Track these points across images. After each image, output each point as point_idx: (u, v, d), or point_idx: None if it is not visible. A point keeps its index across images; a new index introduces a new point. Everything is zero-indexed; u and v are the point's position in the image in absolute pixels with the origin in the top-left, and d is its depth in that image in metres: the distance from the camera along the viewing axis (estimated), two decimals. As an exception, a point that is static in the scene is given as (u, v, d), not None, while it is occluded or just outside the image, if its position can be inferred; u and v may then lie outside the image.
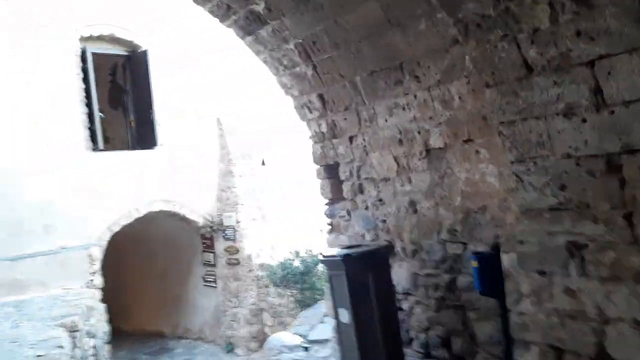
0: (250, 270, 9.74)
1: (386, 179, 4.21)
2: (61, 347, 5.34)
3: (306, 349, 5.06)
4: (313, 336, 5.49)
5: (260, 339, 9.40)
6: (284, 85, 4.89)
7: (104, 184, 8.73)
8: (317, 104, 4.62)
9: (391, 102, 3.88)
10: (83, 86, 8.64)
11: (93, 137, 8.74)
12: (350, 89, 4.15)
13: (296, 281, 7.36)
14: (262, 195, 10.73)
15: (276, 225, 10.79)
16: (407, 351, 4.11)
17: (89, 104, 8.70)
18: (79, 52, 8.60)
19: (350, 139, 4.49)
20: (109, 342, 8.11)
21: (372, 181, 4.39)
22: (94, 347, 7.22)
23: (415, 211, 3.97)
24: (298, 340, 5.40)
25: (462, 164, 3.50)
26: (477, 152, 3.37)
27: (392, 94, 3.83)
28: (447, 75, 3.36)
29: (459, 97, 3.37)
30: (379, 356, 3.76)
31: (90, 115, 8.75)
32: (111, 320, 10.20)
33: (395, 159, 4.04)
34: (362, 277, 3.71)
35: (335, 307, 3.83)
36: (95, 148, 8.75)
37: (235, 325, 9.87)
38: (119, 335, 10.76)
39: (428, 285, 3.92)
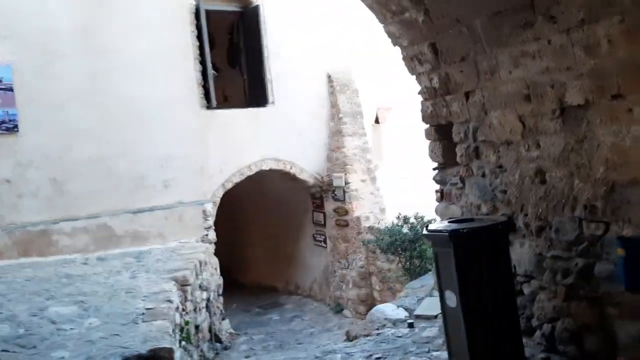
0: (359, 233, 9.49)
1: (508, 143, 3.59)
2: (170, 301, 5.49)
3: (411, 325, 4.67)
4: (419, 311, 5.09)
5: (369, 302, 9.20)
6: (391, 35, 4.37)
7: (217, 141, 8.88)
8: (429, 54, 4.04)
9: (517, 49, 3.22)
10: (197, 44, 8.72)
11: (207, 95, 8.85)
12: (468, 35, 3.53)
13: (404, 249, 6.95)
14: (373, 156, 10.33)
15: (386, 188, 10.37)
16: (528, 342, 3.56)
17: (203, 62, 8.79)
18: (192, 9, 8.65)
19: (466, 95, 3.88)
20: (221, 294, 8.40)
21: (491, 144, 3.78)
22: (207, 299, 7.48)
23: (544, 181, 3.33)
24: (402, 314, 5.04)
25: (607, 125, 2.81)
26: (630, 110, 2.66)
27: (519, 40, 3.17)
28: (594, 13, 2.65)
29: (608, 41, 2.65)
30: (492, 347, 3.27)
31: (205, 73, 8.85)
32: (229, 273, 10.67)
33: (520, 118, 3.40)
34: (473, 257, 3.19)
35: (441, 289, 3.37)
36: (209, 106, 8.86)
37: (344, 287, 9.75)
38: (237, 287, 11.27)
39: (556, 269, 3.30)
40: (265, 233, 11.95)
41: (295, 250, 11.43)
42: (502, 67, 3.40)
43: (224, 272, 8.97)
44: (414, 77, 4.47)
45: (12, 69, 7.15)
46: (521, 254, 3.57)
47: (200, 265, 7.29)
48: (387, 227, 8.38)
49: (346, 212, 9.75)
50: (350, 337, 4.82)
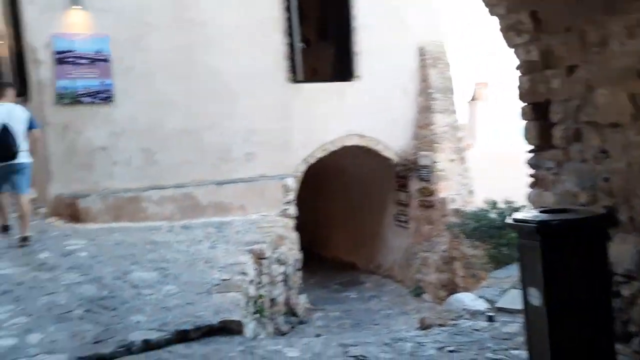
0: (443, 216, 9.09)
1: (615, 125, 3.12)
2: (244, 273, 5.54)
3: (490, 318, 4.33)
4: (502, 303, 4.72)
5: (450, 288, 8.85)
6: (488, 3, 3.96)
7: (302, 116, 8.81)
8: (528, 24, 3.60)
9: (633, 18, 2.75)
10: (286, 16, 8.62)
11: (293, 68, 8.76)
12: (575, 1, 3.08)
13: (491, 235, 6.50)
14: (466, 135, 9.79)
15: (478, 169, 9.83)
16: (623, 349, 3.14)
17: (290, 35, 8.69)
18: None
19: (569, 69, 3.42)
20: (300, 269, 8.43)
21: (595, 126, 3.31)
22: (284, 273, 7.52)
23: (656, 171, 2.86)
24: (483, 306, 4.70)
25: None
26: None
27: (635, 7, 2.70)
28: None
29: None
30: (579, 352, 2.90)
31: (292, 46, 8.76)
32: (311, 248, 10.73)
33: (632, 98, 2.93)
34: (563, 252, 2.82)
35: (524, 284, 3.03)
36: (295, 79, 8.78)
37: (425, 270, 9.44)
38: (317, 262, 11.33)
39: (664, 272, 2.86)
40: (348, 210, 11.86)
41: (377, 229, 11.23)
42: (614, 38, 2.93)
43: (304, 246, 9.00)
44: (512, 50, 4.04)
45: (110, 41, 7.45)
46: (622, 251, 3.13)
47: (279, 239, 7.32)
48: (473, 211, 7.92)
49: (431, 193, 9.36)
50: (423, 325, 4.57)
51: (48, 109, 7.28)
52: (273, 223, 7.71)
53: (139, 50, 7.64)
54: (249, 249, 6.29)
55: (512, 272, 5.80)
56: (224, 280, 5.26)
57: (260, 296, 5.89)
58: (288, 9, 8.63)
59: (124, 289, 4.97)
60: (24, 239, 6.14)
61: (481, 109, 14.25)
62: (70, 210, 7.30)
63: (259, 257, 6.26)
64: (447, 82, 9.67)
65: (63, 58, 7.24)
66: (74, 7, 7.19)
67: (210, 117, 8.10)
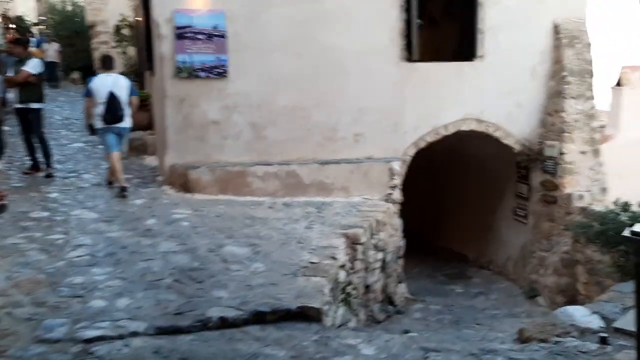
0: (567, 214, 8.14)
1: None
2: (335, 258, 5.37)
3: (604, 340, 3.70)
4: (621, 323, 4.03)
5: (569, 294, 7.97)
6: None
7: (415, 97, 8.35)
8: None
9: None
10: (404, -9, 8.16)
11: (409, 46, 8.30)
12: None
13: (618, 242, 5.59)
14: (603, 124, 8.67)
15: (616, 164, 8.67)
16: None
17: (408, 10, 8.22)
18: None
19: None
20: (401, 257, 8.09)
21: None
22: (383, 260, 7.25)
23: None
24: (596, 323, 4.05)
25: None
26: None
27: None
28: None
29: None
30: None
31: (409, 23, 8.29)
32: (420, 236, 10.31)
33: None
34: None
35: (638, 307, 2.48)
36: (410, 58, 8.32)
37: (542, 271, 8.58)
38: (426, 250, 10.87)
39: None
40: (461, 198, 11.18)
41: (492, 222, 10.46)
42: None
43: (413, 234, 8.61)
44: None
45: (225, 16, 7.59)
46: None
47: (378, 225, 7.05)
48: (599, 211, 6.96)
49: (556, 187, 8.43)
50: (522, 338, 4.06)
51: (167, 82, 7.63)
52: (375, 207, 7.45)
53: (254, 26, 7.69)
54: (343, 232, 6.11)
55: (641, 287, 4.99)
56: (313, 263, 5.15)
57: (350, 282, 5.69)
58: (408, -17, 8.14)
59: (214, 262, 5.06)
60: (123, 189, 7.14)
61: (629, 96, 12.54)
62: (182, 180, 7.64)
63: (353, 242, 6.06)
64: (585, 64, 8.55)
65: (183, 33, 7.51)
66: (194, -18, 7.41)
67: (319, 95, 7.96)
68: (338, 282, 5.23)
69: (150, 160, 9.37)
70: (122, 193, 7.08)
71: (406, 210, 8.37)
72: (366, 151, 8.22)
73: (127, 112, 7.24)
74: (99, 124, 7.13)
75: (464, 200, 11.09)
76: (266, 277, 4.77)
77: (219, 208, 6.89)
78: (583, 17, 8.75)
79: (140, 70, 11.86)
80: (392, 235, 7.70)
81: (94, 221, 6.12)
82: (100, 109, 7.03)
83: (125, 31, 14.89)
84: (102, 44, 17.12)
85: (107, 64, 7.45)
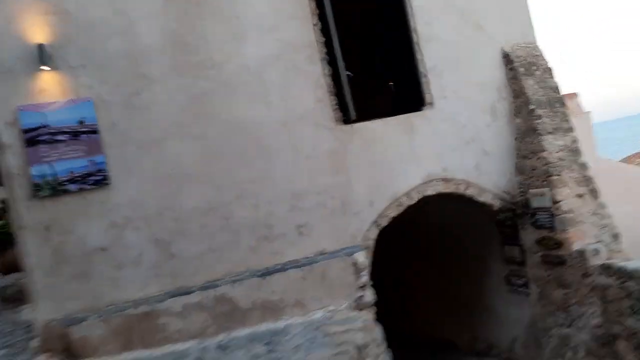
0: (585, 275, 6.36)
1: None
2: None
3: None
4: None
5: (615, 380, 6.01)
6: None
7: (361, 165, 6.55)
8: None
9: None
10: (323, 40, 6.54)
11: (342, 105, 6.59)
12: None
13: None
14: (590, 158, 7.19)
15: (616, 204, 7.13)
16: None
17: (332, 63, 6.57)
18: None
19: None
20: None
21: None
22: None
23: None
24: None
25: None
26: None
27: None
28: None
29: None
30: None
31: (337, 78, 6.62)
32: (390, 324, 8.22)
33: None
34: None
35: None
36: (347, 119, 6.58)
37: (570, 355, 6.61)
38: (400, 341, 8.73)
39: None
40: (435, 274, 9.31)
41: (480, 296, 8.56)
42: None
43: (389, 321, 6.49)
44: None
45: (94, 105, 5.57)
46: None
47: (359, 354, 4.90)
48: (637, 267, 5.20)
49: (559, 245, 6.68)
50: None
51: (23, 205, 5.37)
52: (347, 324, 5.28)
53: (135, 110, 5.72)
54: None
55: None
56: None
57: None
58: (325, 29, 6.56)
59: None
60: None
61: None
62: (64, 343, 5.22)
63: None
64: (552, 92, 7.17)
65: (35, 137, 5.39)
66: (42, 67, 5.38)
67: (239, 185, 5.97)
68: None
69: (28, 313, 6.83)
70: None
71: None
72: (316, 245, 6.19)
73: None
74: None
75: (440, 276, 9.21)
76: None
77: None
78: (533, 40, 7.49)
79: None
80: (378, 356, 5.53)
81: None
82: None
83: None
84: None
85: None
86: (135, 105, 5.71)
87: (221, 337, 5.32)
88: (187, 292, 5.54)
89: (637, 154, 21.14)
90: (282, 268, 5.89)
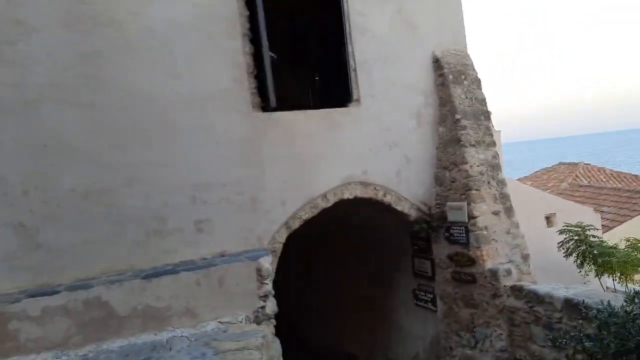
0: (495, 296, 6.14)
1: None
2: None
3: None
4: None
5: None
6: None
7: (277, 160, 5.86)
8: None
9: None
10: (247, 14, 5.76)
11: (262, 90, 5.86)
12: None
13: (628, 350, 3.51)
14: (505, 175, 7.04)
15: (527, 224, 7.03)
16: None
17: (255, 41, 5.82)
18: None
19: None
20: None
21: None
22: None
23: None
24: None
25: None
26: None
27: None
28: None
29: None
30: None
31: (259, 58, 5.87)
32: (291, 333, 7.65)
33: None
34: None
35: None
36: (266, 106, 5.86)
37: (471, 377, 6.40)
38: (299, 349, 8.18)
39: None
40: (342, 282, 8.86)
41: (384, 309, 8.23)
42: None
43: (282, 327, 5.85)
44: None
45: (-53, 49, 4.40)
46: None
47: (255, 377, 4.20)
48: (601, 302, 4.54)
49: (471, 262, 6.43)
50: None
51: None
52: (243, 339, 4.59)
53: (6, 64, 4.60)
54: None
55: None
56: None
57: None
58: (251, 3, 5.78)
59: None
60: None
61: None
62: None
63: None
64: (478, 104, 6.93)
65: None
66: None
67: (132, 168, 5.04)
68: None
69: None
70: None
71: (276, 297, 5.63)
72: (216, 245, 5.42)
73: None
74: None
75: (347, 285, 8.78)
76: None
77: None
78: (464, 48, 7.21)
79: None
80: (274, 376, 4.89)
81: None
82: None
83: None
84: None
85: None
86: (7, 57, 4.59)
87: (88, 349, 4.43)
88: (51, 292, 4.53)
89: (528, 176, 22.21)
90: (173, 270, 5.04)
